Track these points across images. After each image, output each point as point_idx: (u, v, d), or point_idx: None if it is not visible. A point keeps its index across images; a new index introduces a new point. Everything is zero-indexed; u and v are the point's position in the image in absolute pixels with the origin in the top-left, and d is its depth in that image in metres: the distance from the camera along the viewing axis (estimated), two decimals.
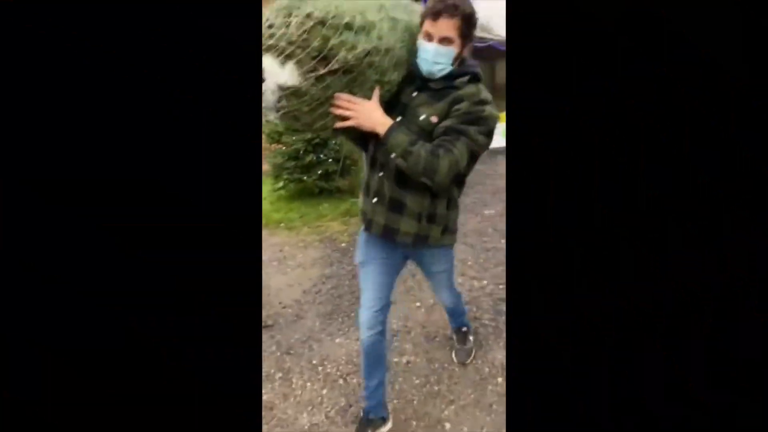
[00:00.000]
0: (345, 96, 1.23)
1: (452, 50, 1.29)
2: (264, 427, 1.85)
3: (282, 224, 4.48)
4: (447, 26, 1.25)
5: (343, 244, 3.80)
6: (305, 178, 5.02)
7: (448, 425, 1.82)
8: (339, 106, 1.24)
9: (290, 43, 1.14)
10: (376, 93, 1.28)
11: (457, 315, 2.12)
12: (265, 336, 2.52)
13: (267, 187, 5.62)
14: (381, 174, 1.44)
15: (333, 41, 1.14)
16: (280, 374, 2.21)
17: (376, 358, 1.65)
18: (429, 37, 1.28)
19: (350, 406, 1.96)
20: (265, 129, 5.48)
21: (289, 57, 1.15)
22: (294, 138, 4.95)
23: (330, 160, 5.01)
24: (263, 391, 2.07)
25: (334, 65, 1.16)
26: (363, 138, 1.47)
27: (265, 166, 6.26)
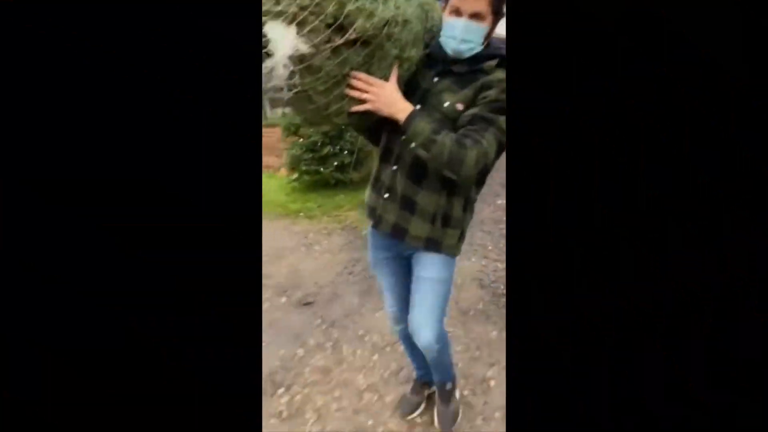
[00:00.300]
0: (362, 75, 1.11)
1: (483, 27, 1.17)
2: (324, 388, 2.07)
3: (301, 214, 4.60)
4: (477, 0, 1.13)
5: (364, 232, 3.95)
6: (322, 169, 5.06)
7: (492, 382, 2.02)
8: (356, 87, 1.12)
9: (302, 8, 1.02)
10: (395, 72, 1.16)
11: (440, 365, 1.63)
12: (308, 312, 2.71)
13: (277, 180, 5.71)
14: (395, 167, 1.31)
15: (349, 7, 1.02)
16: (330, 343, 2.39)
17: (413, 343, 1.63)
18: (457, 13, 1.16)
19: (401, 369, 2.14)
20: (282, 122, 5.55)
21: (301, 24, 1.02)
22: (311, 130, 4.98)
23: (345, 152, 5.05)
24: (317, 359, 2.29)
25: (351, 35, 1.04)
26: (375, 128, 1.36)
27: (276, 159, 6.31)
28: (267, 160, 6.93)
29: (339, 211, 4.56)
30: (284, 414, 1.94)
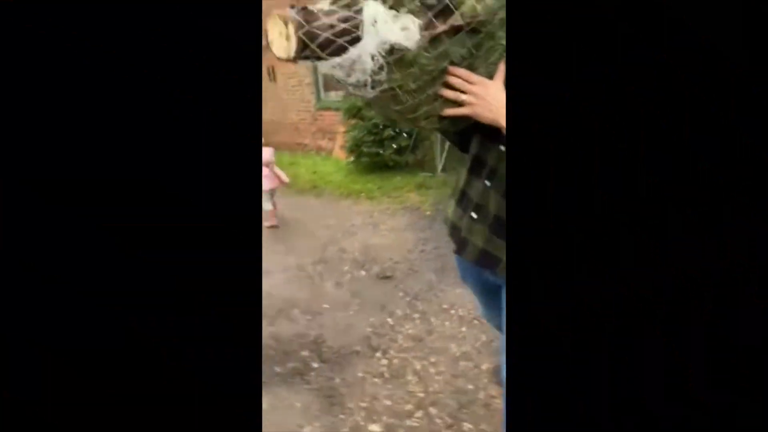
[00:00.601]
0: (462, 72, 0.90)
1: None
2: (420, 353, 2.15)
3: (362, 194, 4.81)
4: None
5: (428, 213, 4.04)
6: (381, 151, 5.23)
7: None
8: (453, 87, 0.90)
9: None
10: (501, 69, 0.94)
11: None
12: (390, 285, 2.85)
13: (332, 162, 5.99)
14: (487, 183, 1.09)
15: None
16: (416, 315, 2.47)
17: None
18: None
19: (491, 341, 2.16)
20: (344, 105, 5.72)
21: (399, 4, 0.81)
22: (372, 112, 5.14)
23: (404, 134, 5.17)
24: (407, 328, 2.35)
25: (457, 20, 0.83)
26: (466, 133, 1.12)
27: (329, 142, 6.37)
28: (320, 143, 7.09)
29: (399, 192, 4.73)
30: (386, 374, 2.02)
